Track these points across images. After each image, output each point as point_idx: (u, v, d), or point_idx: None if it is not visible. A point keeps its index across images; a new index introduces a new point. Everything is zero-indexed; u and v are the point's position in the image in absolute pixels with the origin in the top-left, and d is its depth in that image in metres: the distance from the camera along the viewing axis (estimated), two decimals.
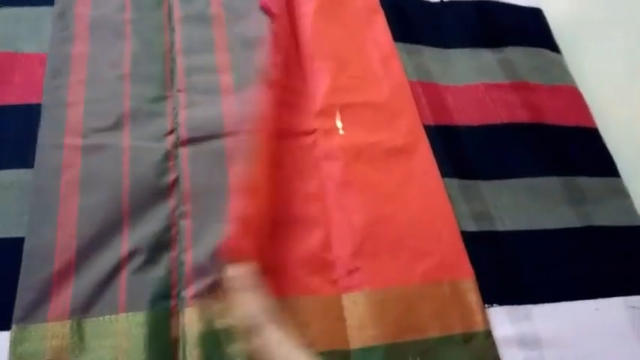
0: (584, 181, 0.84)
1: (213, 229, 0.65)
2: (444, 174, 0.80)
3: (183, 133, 0.73)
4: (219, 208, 0.67)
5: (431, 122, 0.86)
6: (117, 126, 0.71)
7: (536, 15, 1.07)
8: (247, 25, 0.87)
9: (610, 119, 0.92)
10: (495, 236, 0.76)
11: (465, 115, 0.89)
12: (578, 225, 0.79)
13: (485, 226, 0.77)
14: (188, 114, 0.74)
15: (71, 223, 0.63)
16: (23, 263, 0.60)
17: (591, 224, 0.79)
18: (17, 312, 0.58)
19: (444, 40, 1.00)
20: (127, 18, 0.84)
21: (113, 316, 0.58)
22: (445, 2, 1.05)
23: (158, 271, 0.63)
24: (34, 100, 0.74)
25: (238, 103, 0.76)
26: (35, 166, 0.68)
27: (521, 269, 0.73)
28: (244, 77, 0.80)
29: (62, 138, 0.69)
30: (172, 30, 0.84)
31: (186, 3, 0.87)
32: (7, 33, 0.80)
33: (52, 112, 0.72)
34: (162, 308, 0.60)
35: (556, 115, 0.92)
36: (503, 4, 1.07)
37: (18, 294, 0.59)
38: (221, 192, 0.68)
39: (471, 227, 0.76)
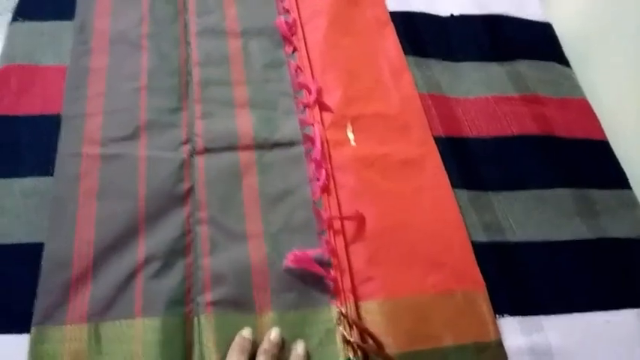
0: (595, 193, 0.84)
1: (229, 235, 0.67)
2: (454, 185, 0.80)
3: (198, 143, 0.75)
4: (234, 216, 0.68)
5: (441, 133, 0.87)
6: (134, 136, 0.73)
7: (545, 29, 1.09)
8: (261, 40, 0.89)
9: (621, 131, 0.93)
10: (506, 247, 0.76)
11: (475, 127, 0.90)
12: (589, 237, 0.79)
13: (496, 237, 0.77)
14: (203, 125, 0.76)
15: (89, 229, 0.65)
16: (42, 268, 0.62)
17: (603, 236, 0.79)
18: (36, 315, 0.59)
19: (453, 54, 1.01)
20: (144, 32, 0.86)
21: (129, 320, 0.59)
22: (455, 16, 1.07)
23: (174, 277, 0.64)
24: (54, 111, 0.76)
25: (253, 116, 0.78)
26: (55, 174, 0.70)
27: (532, 280, 0.74)
28: (259, 92, 0.82)
29: (81, 147, 0.71)
30: (188, 43, 0.87)
31: (202, 17, 0.89)
32: (29, 46, 0.83)
33: (71, 123, 0.74)
34: (178, 313, 0.61)
35: (566, 128, 0.92)
36: (513, 18, 1.09)
37: (37, 298, 0.60)
38: (235, 201, 0.70)
39: (481, 238, 0.76)
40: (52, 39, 0.85)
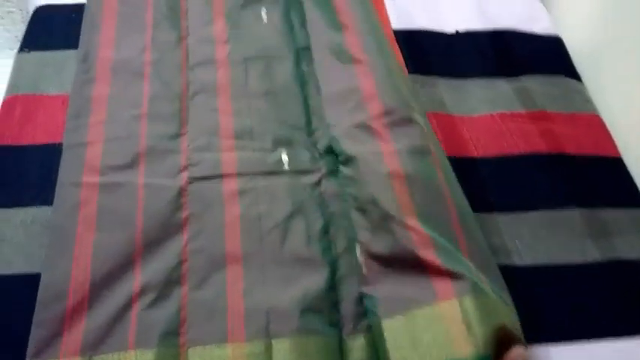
0: (607, 213, 0.81)
1: (220, 266, 0.66)
2: None
3: (196, 169, 0.75)
4: (223, 246, 0.68)
5: (448, 155, 0.85)
6: (133, 163, 0.74)
7: (555, 43, 1.06)
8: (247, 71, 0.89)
9: (634, 147, 0.90)
10: (513, 271, 0.74)
11: (481, 147, 0.88)
12: (600, 260, 0.76)
13: (503, 261, 0.75)
14: (199, 153, 0.76)
15: (86, 260, 0.65)
16: (38, 299, 0.62)
17: (615, 258, 0.76)
18: (31, 348, 0.59)
19: (458, 71, 1.00)
20: (147, 59, 0.87)
21: (122, 353, 0.59)
22: (460, 33, 1.05)
23: (168, 308, 0.63)
24: (55, 140, 0.77)
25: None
26: (54, 203, 0.70)
27: (540, 306, 0.71)
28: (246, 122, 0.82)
29: (81, 176, 0.72)
30: (191, 69, 0.87)
31: (199, 46, 0.90)
32: (33, 76, 0.85)
33: (72, 152, 0.75)
34: (172, 345, 0.60)
35: (576, 145, 0.89)
36: (521, 33, 1.07)
37: (32, 330, 0.60)
38: (222, 230, 0.69)
39: None
40: (56, 68, 0.87)
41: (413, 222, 0.66)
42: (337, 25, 0.92)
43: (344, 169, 0.75)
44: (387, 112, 0.78)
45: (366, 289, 0.66)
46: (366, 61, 0.84)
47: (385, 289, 0.64)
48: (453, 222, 0.69)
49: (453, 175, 0.77)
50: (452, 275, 0.62)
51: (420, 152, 0.75)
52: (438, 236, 0.66)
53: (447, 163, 0.78)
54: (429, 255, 0.64)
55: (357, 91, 0.82)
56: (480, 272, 0.65)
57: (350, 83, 0.83)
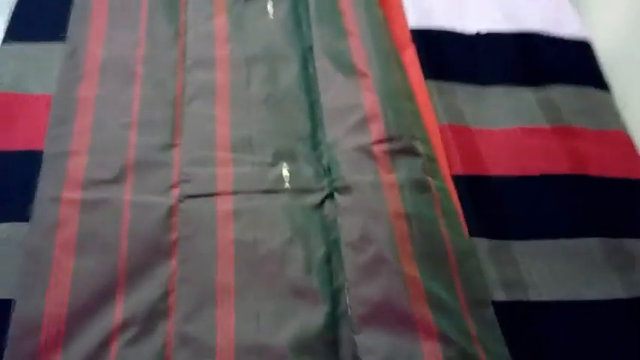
0: (632, 244, 0.74)
1: (210, 298, 0.61)
2: (473, 232, 0.72)
3: (189, 186, 0.68)
4: (214, 275, 0.62)
5: (460, 172, 0.78)
6: (119, 178, 0.67)
7: (584, 49, 0.98)
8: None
9: None
10: (528, 307, 0.68)
11: (499, 164, 0.81)
12: (624, 296, 0.70)
13: (517, 296, 0.69)
14: (193, 168, 0.70)
15: (63, 288, 0.59)
16: (10, 333, 0.57)
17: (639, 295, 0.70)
18: None
19: (479, 77, 0.92)
20: (140, 57, 0.80)
21: None
22: (482, 34, 0.97)
23: (152, 344, 0.58)
24: (37, 147, 0.71)
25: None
26: (31, 221, 0.64)
27: (558, 347, 0.65)
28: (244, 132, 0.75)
29: (61, 191, 0.66)
30: (188, 70, 0.80)
31: (197, 43, 0.83)
32: (15, 72, 0.78)
33: (53, 162, 0.68)
34: None
35: (602, 165, 0.82)
36: (547, 37, 0.98)
37: None
38: (214, 257, 0.63)
39: (501, 297, 0.68)
40: (41, 63, 0.80)
41: (409, 268, 0.62)
42: (342, 31, 0.85)
43: (339, 198, 0.69)
44: (390, 139, 0.72)
45: (353, 335, 0.60)
46: (371, 76, 0.78)
47: (371, 339, 0.59)
48: (452, 267, 0.65)
49: (453, 212, 0.72)
50: (442, 338, 0.58)
51: (421, 188, 0.70)
52: (435, 285, 0.61)
53: (447, 197, 0.73)
54: (421, 309, 0.59)
55: (360, 108, 0.75)
56: (474, 324, 0.61)
57: (352, 99, 0.77)
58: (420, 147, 0.75)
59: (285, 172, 0.71)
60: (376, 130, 0.73)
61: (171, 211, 0.66)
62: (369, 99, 0.76)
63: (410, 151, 0.73)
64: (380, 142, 0.73)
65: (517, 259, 0.72)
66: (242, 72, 0.81)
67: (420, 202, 0.69)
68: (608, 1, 1.07)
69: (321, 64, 0.81)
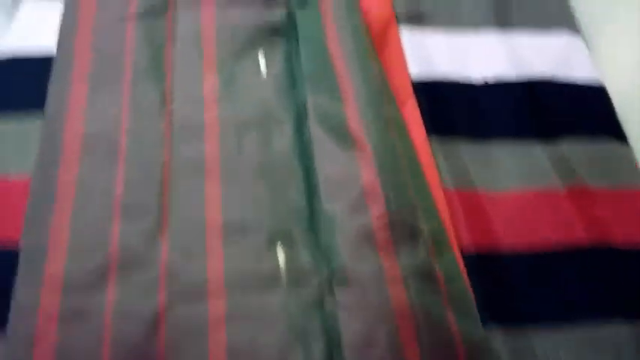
0: None
1: None
2: (485, 321, 0.66)
3: (177, 287, 0.63)
4: None
5: (472, 250, 0.73)
6: (101, 280, 0.62)
7: (598, 95, 0.92)
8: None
9: None
10: None
11: (511, 235, 0.75)
12: None
13: None
14: (181, 262, 0.64)
15: None
16: None
17: None
18: None
19: (485, 131, 0.86)
20: (123, 129, 0.74)
21: None
22: (489, 84, 0.91)
23: None
24: (12, 243, 0.65)
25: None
26: (8, 332, 0.59)
27: None
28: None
29: (39, 296, 0.60)
30: (175, 143, 0.74)
31: (185, 110, 0.77)
32: None
33: (29, 261, 0.63)
34: None
35: (625, 233, 0.76)
36: (557, 83, 0.92)
37: None
38: None
39: None
40: (19, 140, 0.74)
41: None
42: (336, 93, 0.78)
43: (339, 293, 0.63)
44: (391, 221, 0.66)
45: None
46: (369, 148, 0.71)
47: None
48: None
49: (463, 298, 0.66)
50: None
51: (426, 277, 0.64)
52: None
53: (456, 280, 0.68)
54: None
55: (357, 182, 0.69)
56: None
57: (350, 172, 0.70)
58: (425, 224, 0.69)
59: (281, 259, 0.66)
60: (376, 210, 0.67)
61: (157, 318, 0.60)
62: (367, 173, 0.70)
63: (413, 234, 0.67)
64: (381, 224, 0.66)
65: (535, 349, 0.66)
66: (233, 138, 0.75)
67: (426, 294, 0.63)
68: (619, 38, 1.01)
69: (316, 132, 0.75)
